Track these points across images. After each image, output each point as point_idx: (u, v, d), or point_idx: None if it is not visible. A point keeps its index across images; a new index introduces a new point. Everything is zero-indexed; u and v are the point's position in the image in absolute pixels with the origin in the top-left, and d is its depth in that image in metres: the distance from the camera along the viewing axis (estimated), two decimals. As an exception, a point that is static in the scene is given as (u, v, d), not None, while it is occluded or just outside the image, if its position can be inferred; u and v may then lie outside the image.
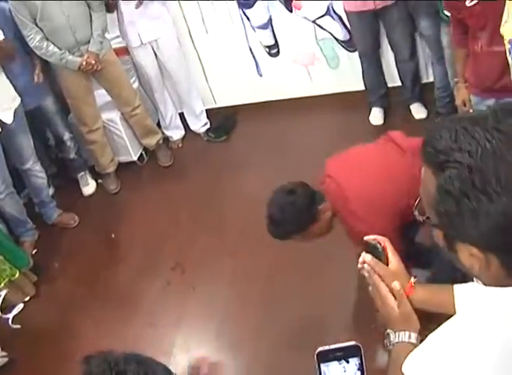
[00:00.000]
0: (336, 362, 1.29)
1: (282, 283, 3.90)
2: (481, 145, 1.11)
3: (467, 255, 1.21)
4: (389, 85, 5.08)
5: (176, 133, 5.59)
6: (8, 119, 4.41)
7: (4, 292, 4.31)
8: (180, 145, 5.57)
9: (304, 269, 3.91)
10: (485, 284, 1.24)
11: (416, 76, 4.85)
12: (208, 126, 5.56)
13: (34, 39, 4.56)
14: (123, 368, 1.22)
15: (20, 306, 4.36)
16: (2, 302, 4.33)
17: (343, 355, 1.28)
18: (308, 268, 3.91)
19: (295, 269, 3.95)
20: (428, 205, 1.22)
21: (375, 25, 4.64)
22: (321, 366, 1.28)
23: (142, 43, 5.03)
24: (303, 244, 3.13)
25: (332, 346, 1.29)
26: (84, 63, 4.68)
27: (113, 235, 4.79)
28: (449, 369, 1.22)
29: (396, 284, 1.52)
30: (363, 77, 4.99)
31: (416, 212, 1.29)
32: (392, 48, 4.79)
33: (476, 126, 1.14)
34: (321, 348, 1.28)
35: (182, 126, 5.63)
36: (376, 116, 5.04)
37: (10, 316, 4.33)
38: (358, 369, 1.28)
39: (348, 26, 4.96)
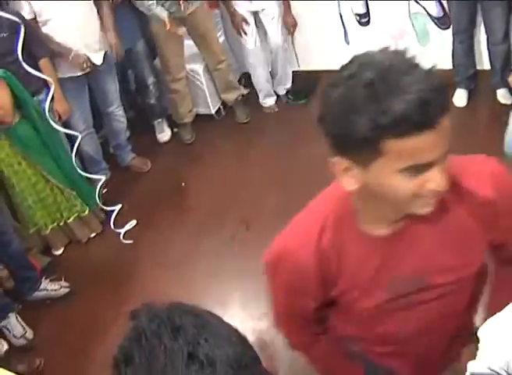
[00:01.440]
0: None
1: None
2: None
3: None
4: (478, 68, 4.97)
5: (270, 100, 5.54)
6: (98, 60, 4.48)
7: (119, 206, 4.52)
8: (277, 109, 5.51)
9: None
10: None
11: (507, 60, 4.71)
12: (289, 87, 5.55)
13: None
14: (180, 322, 1.09)
15: (133, 222, 4.52)
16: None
17: None
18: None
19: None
20: None
21: (473, 4, 4.53)
22: None
23: (250, 10, 5.02)
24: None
25: None
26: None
27: (183, 184, 4.87)
28: None
29: None
30: (452, 56, 4.89)
31: None
32: (486, 30, 4.67)
33: None
34: None
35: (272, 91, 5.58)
36: (461, 97, 4.93)
37: (122, 230, 4.49)
38: None
39: (444, 2, 4.86)
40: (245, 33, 5.08)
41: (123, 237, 4.45)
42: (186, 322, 1.10)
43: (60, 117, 4.31)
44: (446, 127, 1.25)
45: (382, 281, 1.54)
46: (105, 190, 4.82)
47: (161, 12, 4.69)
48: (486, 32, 4.69)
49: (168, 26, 4.69)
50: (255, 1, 4.95)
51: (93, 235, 4.57)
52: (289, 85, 5.52)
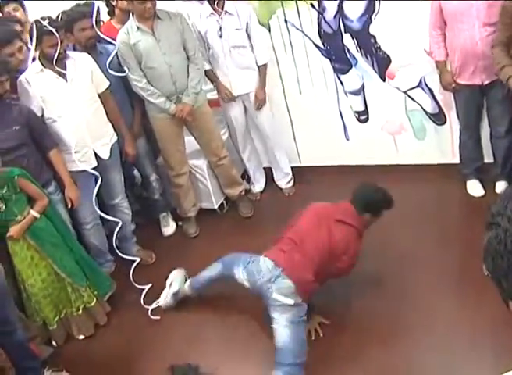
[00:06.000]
0: None
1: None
2: None
3: None
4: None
5: (256, 187, 5.75)
6: (105, 154, 4.63)
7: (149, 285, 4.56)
8: (258, 198, 5.71)
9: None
10: None
11: (508, 154, 4.83)
12: (293, 183, 5.70)
13: (140, 82, 4.80)
14: None
15: (160, 301, 4.54)
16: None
17: None
18: None
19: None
20: None
21: (480, 99, 4.71)
22: None
23: (234, 95, 5.23)
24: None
25: None
26: (178, 111, 4.91)
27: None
28: None
29: None
30: (460, 150, 5.05)
31: (484, 266, 1.35)
32: (489, 123, 4.82)
33: None
34: None
35: (263, 180, 5.79)
36: (475, 187, 5.04)
37: (150, 307, 4.53)
38: None
39: (439, 99, 5.06)
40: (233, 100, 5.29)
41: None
42: None
43: (72, 205, 4.41)
44: None
45: None
46: (110, 283, 4.84)
47: (171, 106, 4.90)
48: (490, 125, 4.84)
49: (180, 113, 4.90)
50: (236, 86, 5.18)
51: (102, 322, 4.58)
52: (289, 178, 5.72)
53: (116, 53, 4.73)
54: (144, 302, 4.55)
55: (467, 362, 3.59)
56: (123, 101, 4.94)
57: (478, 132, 4.95)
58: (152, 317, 4.48)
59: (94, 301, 4.47)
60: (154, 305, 4.54)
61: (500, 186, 4.93)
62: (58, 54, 4.24)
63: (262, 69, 5.19)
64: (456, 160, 5.14)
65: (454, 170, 5.14)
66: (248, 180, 5.79)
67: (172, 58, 4.79)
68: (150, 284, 4.60)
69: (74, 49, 4.69)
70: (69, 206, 4.41)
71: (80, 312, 4.43)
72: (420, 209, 5.01)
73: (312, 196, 5.45)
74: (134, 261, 4.73)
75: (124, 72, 4.78)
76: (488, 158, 5.04)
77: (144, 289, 4.59)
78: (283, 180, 5.71)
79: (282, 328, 3.59)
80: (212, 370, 3.42)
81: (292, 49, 5.27)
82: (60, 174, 4.38)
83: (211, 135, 5.24)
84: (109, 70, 4.65)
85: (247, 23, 4.99)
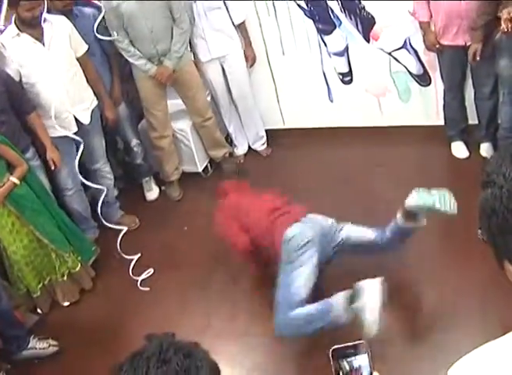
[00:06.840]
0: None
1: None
2: None
3: (510, 272, 1.26)
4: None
5: (240, 149, 5.72)
6: (85, 119, 4.57)
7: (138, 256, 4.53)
8: (242, 161, 5.68)
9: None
10: None
11: (492, 115, 4.79)
12: (266, 145, 5.69)
13: (122, 42, 4.75)
14: (169, 357, 1.28)
15: (151, 271, 4.53)
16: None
17: (354, 352, 1.42)
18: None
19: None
20: None
21: (464, 60, 4.64)
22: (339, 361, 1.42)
23: (211, 58, 5.18)
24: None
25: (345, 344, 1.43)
26: (158, 74, 4.86)
27: (186, 228, 4.95)
28: None
29: None
30: (444, 111, 5.02)
31: (479, 232, 1.35)
32: (473, 84, 4.79)
33: None
34: (335, 346, 1.42)
35: (246, 143, 5.76)
36: (459, 149, 5.04)
37: (139, 279, 4.50)
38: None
39: (424, 60, 5.01)
40: None
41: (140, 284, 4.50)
42: (174, 359, 1.29)
43: (55, 166, 4.35)
44: None
45: None
46: (94, 247, 4.82)
47: (152, 68, 4.84)
48: (474, 87, 4.80)
49: (160, 76, 4.86)
50: (213, 48, 5.13)
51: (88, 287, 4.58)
52: (263, 141, 5.71)
53: (103, 16, 4.65)
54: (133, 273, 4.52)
55: (454, 327, 3.62)
56: (102, 66, 4.86)
57: (462, 93, 4.93)
58: (141, 288, 4.47)
59: (79, 267, 4.46)
60: (143, 276, 4.52)
61: (484, 148, 4.91)
62: (35, 18, 4.14)
63: (242, 28, 5.18)
64: (441, 122, 5.11)
65: (439, 132, 5.11)
66: (231, 144, 5.74)
67: (155, 22, 4.71)
68: (138, 254, 4.57)
69: (48, 12, 4.57)
70: (52, 168, 4.36)
71: (65, 277, 4.43)
72: (404, 171, 4.98)
73: (295, 158, 5.48)
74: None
75: (108, 35, 4.72)
76: (472, 120, 5.02)
77: (132, 259, 4.56)
78: (259, 143, 5.71)
79: None
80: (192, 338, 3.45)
81: (275, 10, 5.17)
82: (40, 137, 4.32)
83: (196, 94, 5.19)
84: (97, 35, 4.61)
85: None
